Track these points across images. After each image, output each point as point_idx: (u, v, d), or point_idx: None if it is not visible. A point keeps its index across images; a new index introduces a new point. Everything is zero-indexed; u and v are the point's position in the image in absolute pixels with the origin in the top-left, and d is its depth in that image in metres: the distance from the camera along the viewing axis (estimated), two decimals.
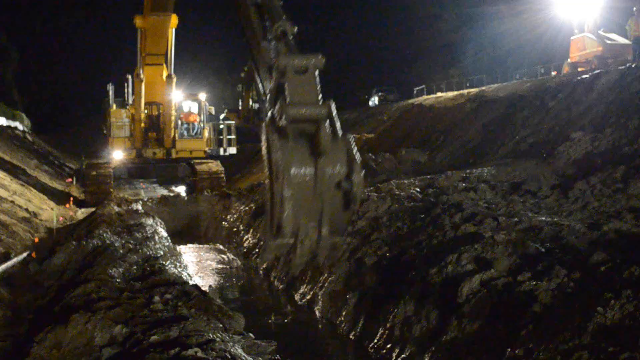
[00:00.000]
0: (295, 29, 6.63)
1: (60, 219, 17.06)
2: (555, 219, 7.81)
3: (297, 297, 9.69)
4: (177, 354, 5.17)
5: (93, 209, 17.40)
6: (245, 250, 14.05)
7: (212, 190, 21.48)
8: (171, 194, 23.21)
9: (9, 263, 9.82)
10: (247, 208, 17.16)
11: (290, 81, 5.72)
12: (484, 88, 28.58)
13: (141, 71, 23.46)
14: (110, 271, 8.34)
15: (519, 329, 5.25)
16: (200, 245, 16.16)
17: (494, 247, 6.87)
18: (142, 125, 24.54)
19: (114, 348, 5.62)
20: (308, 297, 9.37)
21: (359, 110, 46.95)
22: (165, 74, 24.08)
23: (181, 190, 26.40)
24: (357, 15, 62.51)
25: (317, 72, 5.75)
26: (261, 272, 12.02)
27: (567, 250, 6.43)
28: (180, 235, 17.27)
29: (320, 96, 5.57)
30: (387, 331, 7.00)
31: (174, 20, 22.69)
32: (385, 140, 26.67)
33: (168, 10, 21.80)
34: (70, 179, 30.63)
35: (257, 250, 13.25)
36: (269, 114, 5.76)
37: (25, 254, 10.75)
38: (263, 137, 5.57)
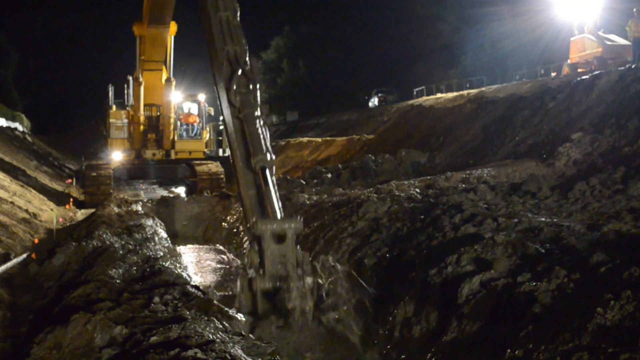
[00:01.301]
0: (274, 160, 6.77)
1: (60, 219, 17.07)
2: (555, 220, 7.81)
3: None
4: (177, 355, 5.17)
5: (93, 210, 17.41)
6: (245, 251, 14.03)
7: (212, 191, 21.48)
8: (171, 195, 23.19)
9: (9, 264, 9.82)
10: None
11: (267, 249, 5.65)
12: (483, 89, 28.62)
13: (140, 75, 23.48)
14: (110, 272, 8.35)
15: (518, 330, 5.25)
16: (200, 246, 16.15)
17: (494, 248, 6.88)
18: (142, 128, 24.58)
19: (114, 349, 5.62)
20: None
21: (359, 111, 46.99)
22: (164, 77, 24.10)
23: (181, 191, 26.40)
24: (357, 16, 62.60)
25: (295, 237, 5.78)
26: None
27: (567, 251, 6.43)
28: (180, 236, 17.27)
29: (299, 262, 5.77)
30: (387, 332, 7.00)
31: (172, 28, 22.66)
32: (385, 141, 26.69)
33: (166, 23, 21.75)
34: (70, 180, 30.65)
35: None
36: (247, 262, 5.77)
37: (25, 255, 10.75)
38: (238, 286, 5.66)
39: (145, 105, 24.40)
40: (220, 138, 26.32)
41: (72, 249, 10.38)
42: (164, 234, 13.38)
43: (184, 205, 19.43)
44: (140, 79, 23.44)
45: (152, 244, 11.26)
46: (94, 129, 39.78)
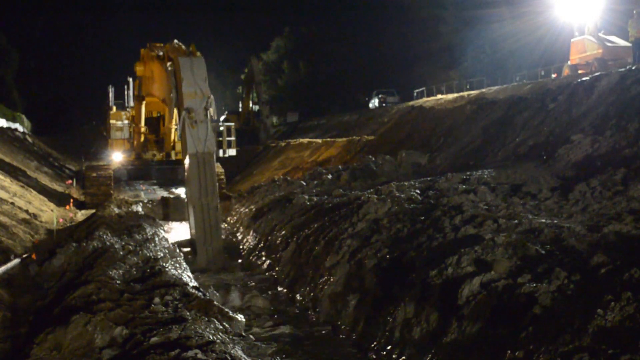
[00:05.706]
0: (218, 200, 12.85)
1: (60, 220, 17.08)
2: (555, 221, 7.80)
3: (298, 298, 9.70)
4: (177, 356, 5.17)
5: (93, 211, 17.43)
6: (245, 251, 14.05)
7: None
8: (171, 196, 23.20)
9: (9, 264, 9.82)
10: (247, 210, 17.16)
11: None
12: (484, 90, 28.65)
13: (140, 91, 23.27)
14: (110, 273, 8.35)
15: (519, 331, 5.25)
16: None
17: (494, 249, 6.87)
18: (142, 138, 24.57)
19: (114, 350, 5.62)
20: (309, 298, 9.38)
21: (359, 113, 47.01)
22: None
23: (181, 192, 26.40)
24: (358, 17, 62.61)
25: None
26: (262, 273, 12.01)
27: (567, 252, 6.43)
28: (180, 236, 17.26)
29: None
30: (387, 333, 7.00)
31: None
32: (385, 142, 26.70)
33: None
34: (70, 181, 30.69)
35: (256, 251, 13.25)
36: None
37: (25, 255, 10.75)
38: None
39: (146, 110, 24.37)
40: (220, 139, 26.30)
41: (73, 249, 10.38)
42: (164, 235, 13.38)
43: (184, 206, 19.39)
44: (142, 99, 23.28)
45: (152, 244, 11.27)
46: (94, 129, 39.82)
